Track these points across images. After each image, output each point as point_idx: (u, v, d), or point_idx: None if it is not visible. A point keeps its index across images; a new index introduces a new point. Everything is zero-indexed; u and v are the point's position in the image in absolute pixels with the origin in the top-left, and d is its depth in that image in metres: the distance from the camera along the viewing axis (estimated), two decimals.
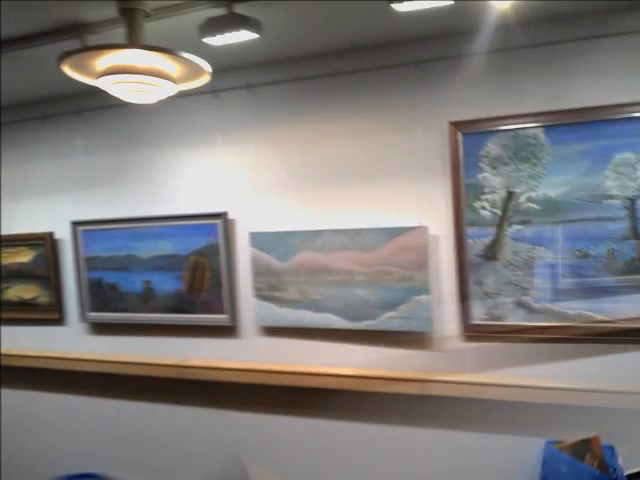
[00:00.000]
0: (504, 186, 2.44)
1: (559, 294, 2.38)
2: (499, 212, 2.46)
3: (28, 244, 3.42)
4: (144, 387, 3.19)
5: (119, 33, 2.09)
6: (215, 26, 2.07)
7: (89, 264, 3.26)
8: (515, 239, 2.44)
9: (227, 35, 2.09)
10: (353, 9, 2.19)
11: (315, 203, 2.78)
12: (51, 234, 3.37)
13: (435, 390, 2.52)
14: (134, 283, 3.15)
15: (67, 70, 2.03)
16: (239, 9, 2.05)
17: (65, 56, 1.93)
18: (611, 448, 2.34)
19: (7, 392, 3.62)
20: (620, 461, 2.29)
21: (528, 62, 2.41)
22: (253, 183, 2.91)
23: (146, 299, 3.13)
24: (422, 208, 2.58)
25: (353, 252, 2.67)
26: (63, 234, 3.35)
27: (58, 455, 3.48)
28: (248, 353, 2.94)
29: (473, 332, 2.53)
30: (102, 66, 1.99)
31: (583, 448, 2.36)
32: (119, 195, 3.21)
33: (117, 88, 2.06)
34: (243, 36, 2.11)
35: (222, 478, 3.10)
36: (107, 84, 2.04)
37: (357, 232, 2.66)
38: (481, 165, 2.47)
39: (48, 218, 3.39)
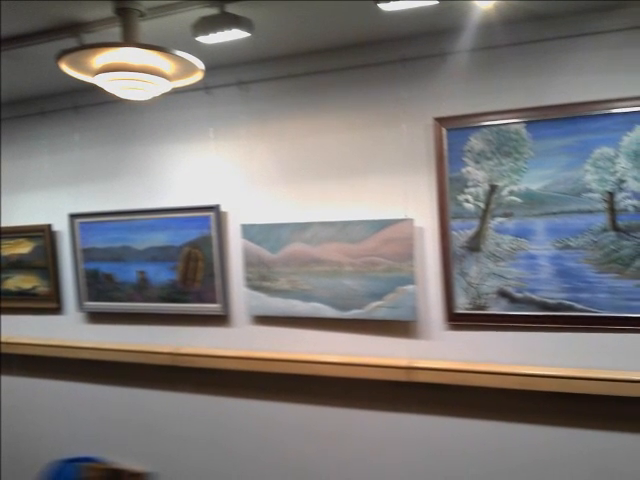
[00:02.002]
0: (487, 180, 2.47)
1: (540, 284, 2.42)
2: (482, 205, 2.49)
3: (27, 236, 3.45)
4: (139, 374, 3.22)
5: (115, 32, 2.12)
6: (208, 25, 2.09)
7: (86, 255, 3.28)
8: (498, 231, 2.47)
9: (219, 34, 2.10)
10: (341, 9, 2.21)
11: (304, 196, 2.81)
12: (49, 226, 3.40)
13: (420, 377, 2.56)
14: (129, 273, 3.17)
15: (65, 68, 2.06)
16: (231, 9, 2.07)
17: (63, 54, 1.96)
18: None
19: (6, 379, 3.66)
20: None
21: (510, 60, 2.43)
22: (245, 177, 2.93)
23: (141, 289, 3.15)
24: (408, 201, 2.60)
25: (341, 244, 2.69)
26: (61, 226, 3.38)
27: (56, 439, 3.52)
28: (240, 341, 2.97)
29: (457, 321, 2.57)
30: (98, 64, 2.01)
31: None
32: (115, 188, 3.24)
33: (113, 85, 2.08)
34: (235, 35, 2.13)
35: (215, 463, 3.14)
36: (103, 81, 2.06)
37: (345, 224, 2.69)
38: (465, 159, 2.49)
39: (46, 210, 3.41)
